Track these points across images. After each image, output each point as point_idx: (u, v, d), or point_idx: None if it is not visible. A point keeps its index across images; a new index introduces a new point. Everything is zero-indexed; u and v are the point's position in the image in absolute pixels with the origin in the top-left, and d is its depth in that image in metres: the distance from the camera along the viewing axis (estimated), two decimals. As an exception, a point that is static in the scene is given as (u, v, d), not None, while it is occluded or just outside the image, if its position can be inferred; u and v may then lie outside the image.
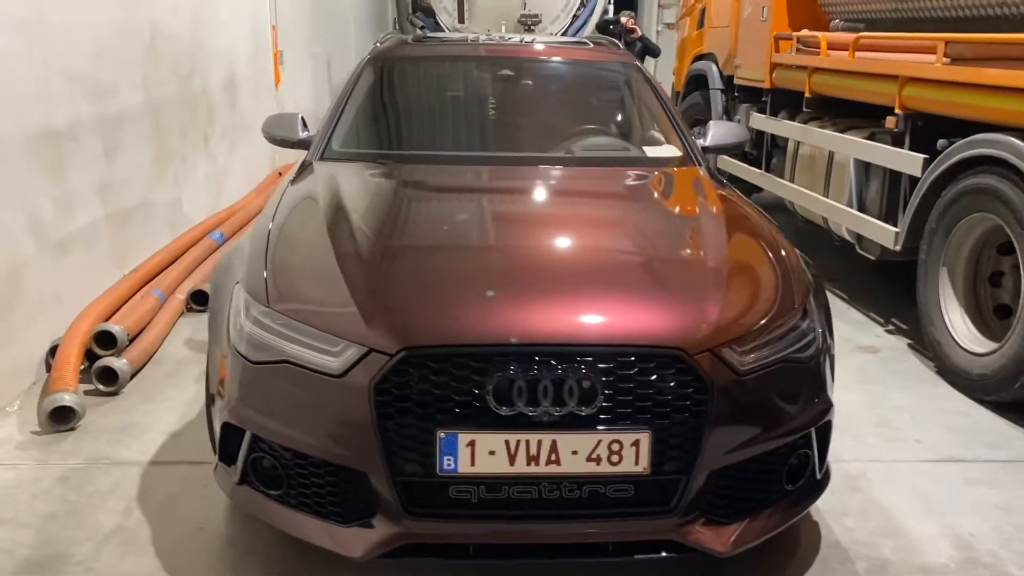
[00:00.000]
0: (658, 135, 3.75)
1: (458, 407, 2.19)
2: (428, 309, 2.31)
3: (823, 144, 5.40)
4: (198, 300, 4.86)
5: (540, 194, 3.32)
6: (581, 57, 4.20)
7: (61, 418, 3.39)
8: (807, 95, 5.66)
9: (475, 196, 3.29)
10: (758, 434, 2.32)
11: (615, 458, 2.20)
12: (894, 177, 4.74)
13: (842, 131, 5.28)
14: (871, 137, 4.96)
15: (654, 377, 2.23)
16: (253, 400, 2.38)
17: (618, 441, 2.20)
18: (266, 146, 8.07)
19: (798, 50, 5.86)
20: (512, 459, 2.19)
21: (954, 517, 2.88)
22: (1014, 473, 3.20)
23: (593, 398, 2.19)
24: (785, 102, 6.20)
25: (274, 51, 8.52)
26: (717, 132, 3.76)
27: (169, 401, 3.69)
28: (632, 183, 3.36)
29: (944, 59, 4.13)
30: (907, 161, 4.41)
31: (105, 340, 3.89)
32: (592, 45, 4.41)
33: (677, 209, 3.00)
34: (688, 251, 2.63)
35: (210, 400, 2.67)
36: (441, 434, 2.18)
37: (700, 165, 3.56)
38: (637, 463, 2.21)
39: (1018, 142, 3.58)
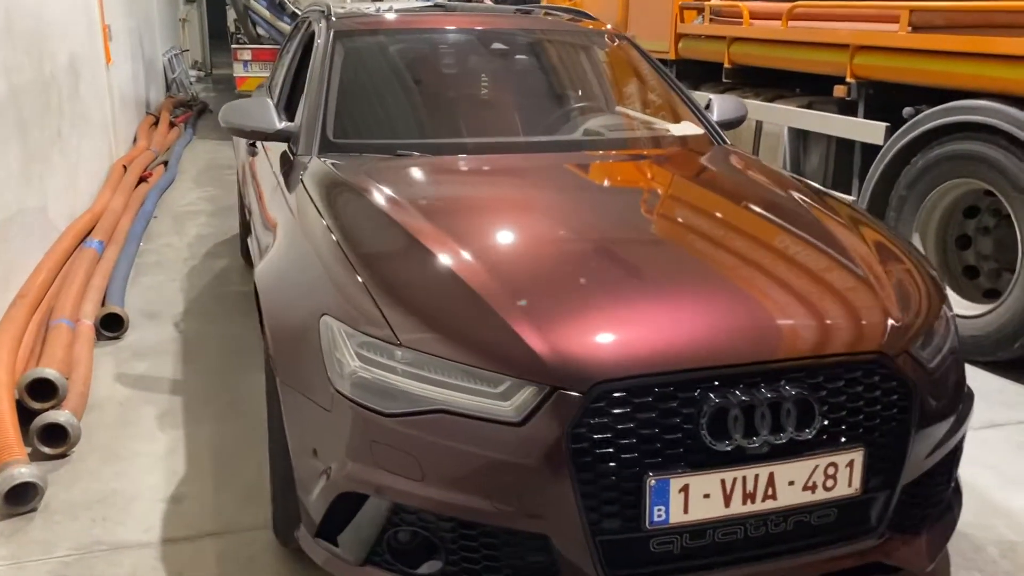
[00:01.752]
0: (670, 111, 3.50)
1: (668, 447, 1.85)
2: (615, 331, 1.93)
3: (763, 117, 5.36)
4: (108, 325, 4.08)
5: (617, 182, 2.94)
6: (569, 30, 3.84)
7: (16, 498, 2.66)
8: (727, 66, 5.62)
9: (552, 188, 2.83)
10: (944, 435, 2.16)
11: (830, 483, 1.96)
12: (843, 146, 4.79)
13: (769, 101, 5.29)
14: (810, 106, 4.99)
15: (861, 388, 2.00)
16: (391, 461, 1.90)
17: (834, 464, 1.95)
18: (102, 136, 7.06)
19: (711, 20, 5.80)
20: (728, 500, 1.89)
21: (1035, 487, 2.89)
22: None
23: (811, 419, 1.92)
24: (689, 74, 6.16)
25: (103, 25, 7.42)
26: (723, 107, 3.57)
27: (141, 457, 3.02)
28: (696, 166, 3.07)
29: (907, 27, 4.17)
30: (868, 130, 4.45)
31: (37, 390, 3.13)
32: (566, 17, 4.07)
33: (774, 196, 2.74)
34: (830, 243, 2.39)
35: (285, 465, 2.16)
36: (652, 481, 1.83)
37: (726, 142, 3.36)
38: (850, 484, 1.98)
39: (1007, 108, 3.66)
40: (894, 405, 2.02)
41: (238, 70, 9.92)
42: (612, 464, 1.83)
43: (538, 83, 3.58)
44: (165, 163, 7.98)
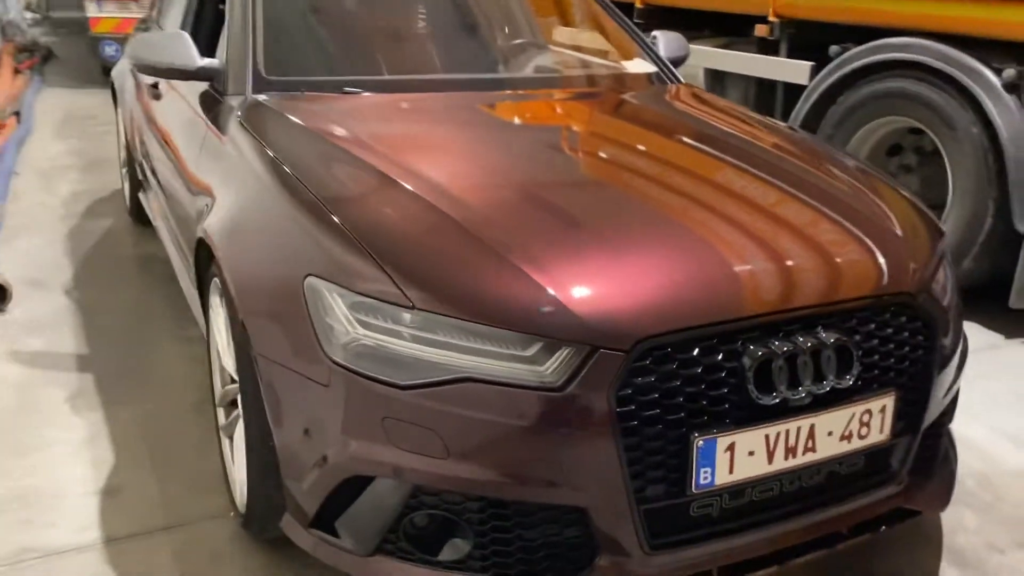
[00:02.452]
0: (621, 47, 3.32)
1: (714, 404, 1.71)
2: (652, 282, 1.75)
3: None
4: (-11, 297, 3.59)
5: (595, 122, 2.73)
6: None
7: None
8: (638, 6, 5.49)
9: (530, 128, 2.60)
10: (955, 375, 2.12)
11: (864, 430, 1.87)
12: (764, 87, 4.77)
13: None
14: (727, 47, 4.94)
15: (891, 330, 1.92)
16: (409, 439, 1.68)
17: (868, 410, 1.86)
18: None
19: (619, -42, 5.63)
20: (771, 456, 1.77)
21: (989, 417, 2.95)
22: (993, 362, 3.37)
23: (850, 365, 1.82)
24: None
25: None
26: (669, 44, 3.41)
27: (57, 446, 2.63)
28: (670, 105, 2.90)
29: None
30: (793, 70, 4.42)
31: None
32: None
33: (765, 137, 2.60)
34: (838, 183, 2.28)
35: (264, 448, 1.89)
36: (699, 442, 1.69)
37: (680, 80, 3.22)
38: (882, 431, 1.90)
39: (937, 45, 3.69)
40: (919, 346, 1.96)
41: (91, 10, 9.03)
42: (659, 427, 1.67)
43: (486, 16, 3.31)
44: (17, 114, 7.16)
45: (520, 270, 1.72)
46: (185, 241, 2.81)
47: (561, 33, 3.43)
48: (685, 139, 2.55)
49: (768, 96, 4.75)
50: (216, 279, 2.23)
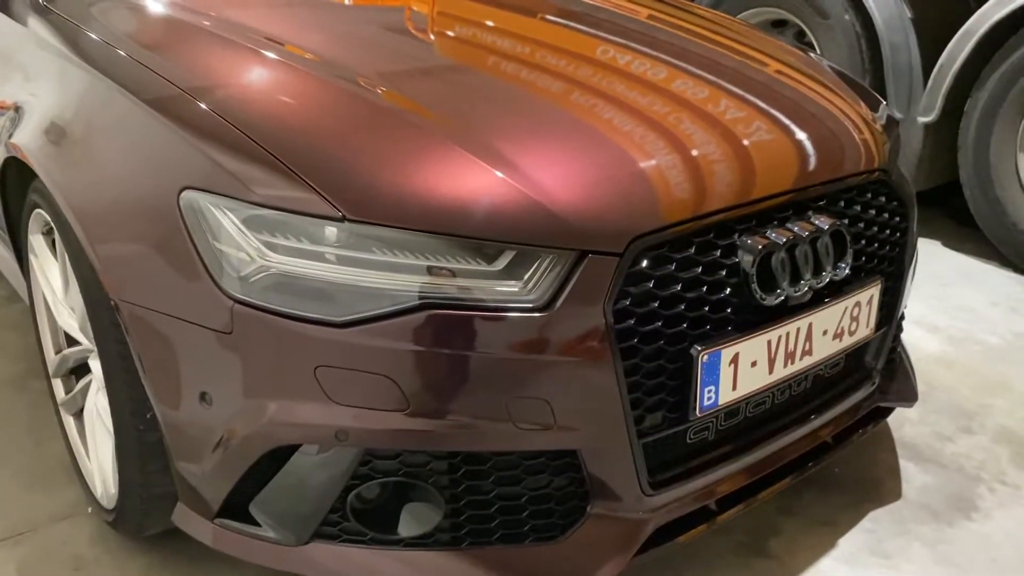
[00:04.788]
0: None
1: (716, 309, 1.43)
2: (635, 173, 1.42)
3: None
4: None
5: (529, 9, 2.26)
6: None
7: None
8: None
9: (462, 19, 2.14)
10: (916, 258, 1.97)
11: (854, 325, 1.67)
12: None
13: None
14: None
15: (873, 211, 1.71)
16: (354, 391, 1.28)
17: (858, 303, 1.66)
18: None
19: None
20: (771, 365, 1.53)
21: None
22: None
23: (844, 252, 1.59)
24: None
25: None
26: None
27: None
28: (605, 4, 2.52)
29: None
30: None
31: None
32: None
33: (690, 19, 2.29)
34: (795, 64, 2.02)
35: (139, 424, 1.45)
36: (704, 356, 1.41)
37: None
38: (868, 325, 1.71)
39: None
40: (898, 228, 1.77)
41: None
42: (660, 343, 1.38)
43: None
44: None
45: (477, 162, 1.35)
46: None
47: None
48: (623, 30, 2.18)
49: None
50: (39, 211, 1.70)
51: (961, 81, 3.24)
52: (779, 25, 3.95)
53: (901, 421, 2.25)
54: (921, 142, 3.41)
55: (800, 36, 3.79)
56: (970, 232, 3.41)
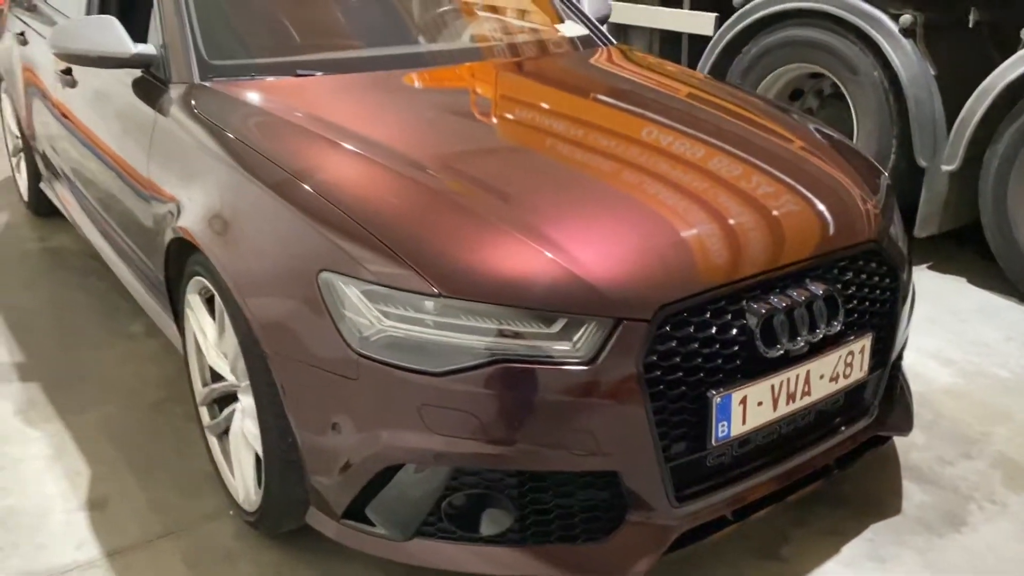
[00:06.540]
0: (547, 9, 3.34)
1: (727, 361, 1.82)
2: (662, 250, 1.83)
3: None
4: None
5: (566, 90, 2.76)
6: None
7: None
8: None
9: (503, 101, 2.61)
10: (911, 308, 2.32)
11: (848, 370, 2.04)
12: (667, 39, 4.90)
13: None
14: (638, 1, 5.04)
15: (864, 276, 2.08)
16: (447, 424, 1.72)
17: (851, 352, 2.03)
18: None
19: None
20: (775, 404, 1.92)
21: (912, 340, 3.22)
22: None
23: (836, 312, 1.97)
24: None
25: None
26: (593, 4, 3.47)
27: (25, 463, 2.51)
28: (617, 69, 2.95)
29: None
30: (698, 21, 4.56)
31: None
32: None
33: (714, 95, 2.70)
34: (790, 137, 2.42)
35: (284, 447, 1.90)
36: (717, 399, 1.80)
37: (613, 42, 3.28)
38: (861, 369, 2.08)
39: (837, -6, 3.90)
40: (887, 288, 2.13)
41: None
42: (681, 388, 1.78)
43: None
44: None
45: (537, 249, 1.77)
46: (137, 238, 2.70)
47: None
48: (652, 106, 2.62)
49: (672, 48, 4.89)
50: (197, 278, 2.18)
51: (980, 133, 3.56)
52: (815, 78, 4.30)
53: (908, 446, 2.59)
54: (946, 187, 3.73)
55: (835, 87, 4.14)
56: (995, 269, 3.70)
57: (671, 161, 2.21)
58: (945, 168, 3.67)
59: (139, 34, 2.63)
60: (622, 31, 5.20)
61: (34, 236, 4.24)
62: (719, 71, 4.50)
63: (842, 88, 4.03)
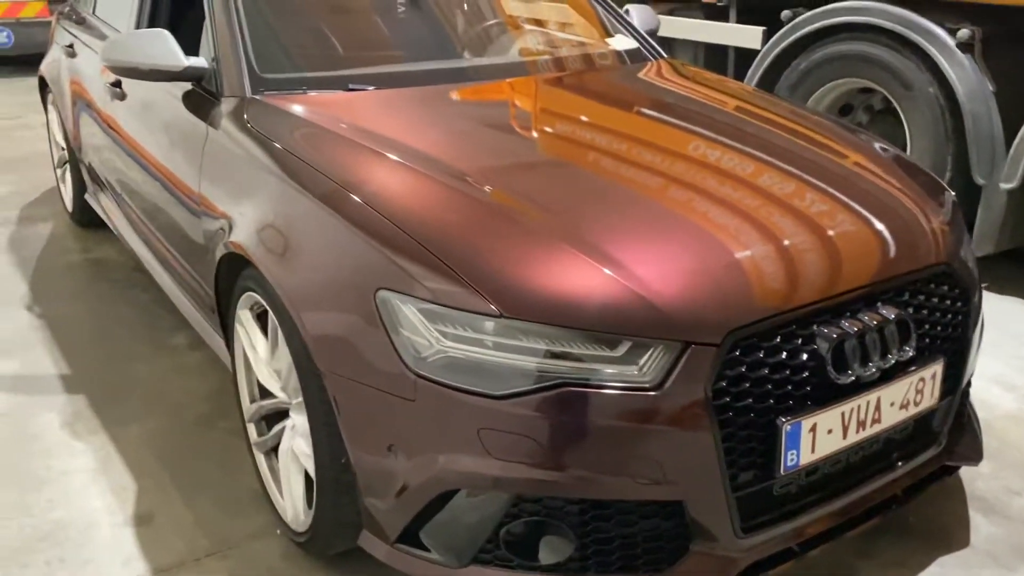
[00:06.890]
0: (598, 23, 3.30)
1: (797, 388, 1.75)
2: (731, 273, 1.77)
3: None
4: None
5: (617, 105, 2.72)
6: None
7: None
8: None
9: (559, 116, 2.58)
10: (981, 333, 2.24)
11: (919, 397, 1.96)
12: (712, 53, 4.84)
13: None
14: (672, 13, 4.98)
15: (936, 299, 2.00)
16: (507, 448, 1.66)
17: (922, 378, 1.95)
18: None
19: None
20: (845, 432, 1.84)
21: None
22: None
23: (908, 337, 1.89)
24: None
25: None
26: (643, 17, 3.42)
27: (71, 476, 2.50)
28: (669, 84, 2.89)
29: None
30: (745, 35, 4.50)
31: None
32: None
33: (777, 113, 2.63)
34: (859, 157, 2.34)
35: (336, 468, 1.86)
36: (786, 426, 1.73)
37: (664, 55, 3.23)
38: (932, 396, 2.00)
39: (890, 7, 3.81)
40: (959, 312, 2.06)
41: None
42: (750, 415, 1.71)
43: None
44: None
45: (601, 270, 1.72)
46: (185, 251, 2.68)
47: (541, 12, 3.38)
48: (711, 123, 2.55)
49: (718, 62, 4.82)
50: (249, 293, 2.15)
51: (1041, 151, 3.46)
52: (866, 92, 4.22)
53: (974, 476, 2.50)
54: (1004, 206, 3.62)
55: (886, 103, 4.05)
56: (1054, 291, 3.60)
57: (734, 180, 2.13)
58: (1004, 186, 3.57)
59: (190, 47, 2.62)
60: (666, 45, 5.13)
61: (78, 247, 4.26)
62: (766, 85, 4.42)
63: (895, 104, 3.93)
